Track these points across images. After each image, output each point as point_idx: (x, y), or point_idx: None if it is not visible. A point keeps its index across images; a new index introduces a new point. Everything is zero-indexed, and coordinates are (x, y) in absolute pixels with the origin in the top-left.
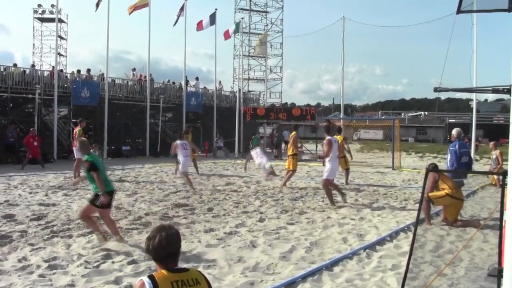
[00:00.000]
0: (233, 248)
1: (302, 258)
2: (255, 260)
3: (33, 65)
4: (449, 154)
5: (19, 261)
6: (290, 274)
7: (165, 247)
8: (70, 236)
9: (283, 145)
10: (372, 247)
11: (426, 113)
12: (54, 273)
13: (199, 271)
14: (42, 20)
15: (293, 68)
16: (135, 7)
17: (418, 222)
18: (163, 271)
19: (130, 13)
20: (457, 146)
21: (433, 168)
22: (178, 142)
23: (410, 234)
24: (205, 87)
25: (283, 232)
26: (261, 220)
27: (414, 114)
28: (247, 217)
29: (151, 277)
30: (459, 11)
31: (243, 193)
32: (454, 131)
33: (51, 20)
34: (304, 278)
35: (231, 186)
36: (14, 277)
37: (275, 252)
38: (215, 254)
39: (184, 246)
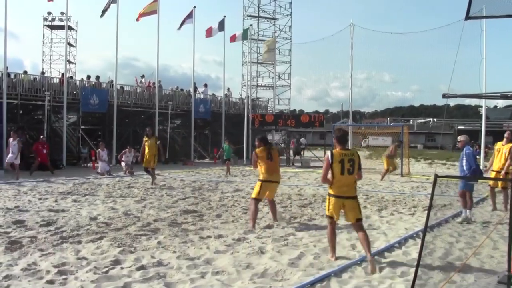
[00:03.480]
0: (242, 254)
1: (310, 265)
2: (264, 266)
3: (42, 72)
4: (465, 158)
5: (29, 266)
6: (299, 280)
7: (344, 136)
8: (79, 242)
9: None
10: (380, 253)
11: (435, 119)
12: (63, 279)
13: (356, 151)
14: (52, 27)
15: (301, 75)
16: (144, 14)
17: (426, 228)
18: (338, 149)
19: (138, 19)
20: (471, 150)
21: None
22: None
23: (419, 241)
24: (213, 94)
25: (291, 239)
26: (270, 226)
27: (423, 120)
28: (256, 224)
29: (331, 152)
30: (467, 17)
31: None
32: (463, 137)
33: (61, 27)
34: (312, 284)
35: (240, 193)
36: (24, 282)
37: (283, 258)
38: (223, 260)
39: (193, 252)
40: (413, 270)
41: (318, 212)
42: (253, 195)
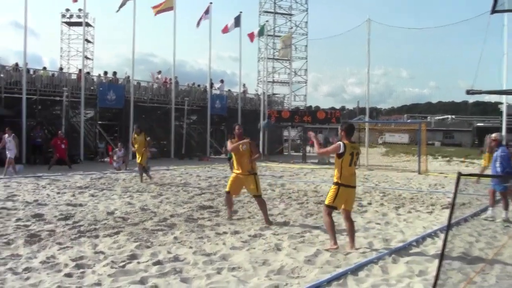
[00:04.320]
0: (258, 251)
1: (327, 262)
2: (280, 263)
3: (61, 69)
4: (499, 160)
5: (48, 259)
6: (315, 278)
7: (352, 128)
8: (97, 236)
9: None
10: (398, 252)
11: (453, 116)
12: (81, 272)
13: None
14: (70, 24)
15: (317, 71)
16: (160, 10)
17: (449, 227)
18: (347, 143)
19: (156, 14)
20: (507, 152)
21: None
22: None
23: (437, 240)
24: (229, 90)
25: (308, 236)
26: (286, 223)
27: (440, 117)
28: (272, 220)
29: (343, 143)
30: (494, 11)
31: (268, 196)
32: (497, 136)
33: (79, 24)
34: (329, 282)
35: None
36: (43, 274)
37: (300, 255)
38: (240, 256)
39: (209, 248)
40: (431, 269)
41: None
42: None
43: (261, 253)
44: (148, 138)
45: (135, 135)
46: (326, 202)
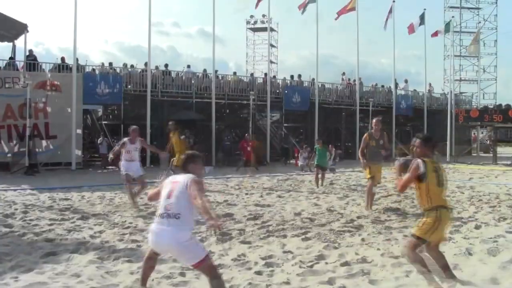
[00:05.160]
0: (448, 254)
1: None
2: (472, 268)
3: (252, 74)
4: None
5: (239, 257)
6: (511, 285)
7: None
8: (285, 236)
9: None
10: None
11: None
12: (270, 270)
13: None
14: (254, 30)
15: (508, 67)
16: (342, 12)
17: None
18: (427, 159)
19: (336, 18)
20: None
21: None
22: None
23: None
24: (415, 90)
25: (501, 241)
26: (477, 227)
27: None
28: (462, 223)
29: (423, 161)
30: None
31: (457, 199)
32: None
33: (263, 29)
34: None
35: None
36: (235, 271)
37: (493, 261)
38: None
39: (397, 251)
40: None
41: None
42: None
43: (451, 257)
44: (182, 137)
45: (171, 134)
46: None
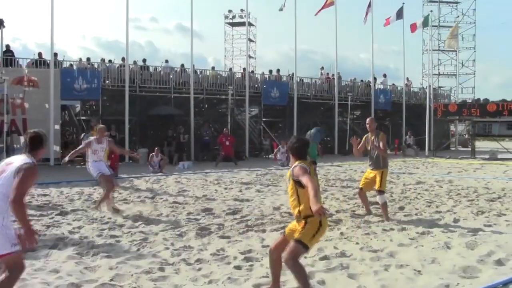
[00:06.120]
0: (426, 248)
1: (503, 263)
2: (450, 262)
3: (230, 69)
4: None
5: (218, 251)
6: (490, 279)
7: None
8: (264, 231)
9: None
10: None
11: None
12: (249, 265)
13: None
14: (233, 24)
15: (486, 61)
16: (322, 7)
17: None
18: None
19: (316, 14)
20: None
21: None
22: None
23: None
24: (393, 84)
25: (480, 234)
26: (455, 220)
27: None
28: (440, 217)
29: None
30: None
31: (435, 193)
32: None
33: (241, 24)
34: (505, 284)
35: (422, 185)
36: (214, 266)
37: (471, 254)
38: (407, 253)
39: (376, 244)
40: None
41: (509, 207)
42: None
43: (430, 251)
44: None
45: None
46: None
